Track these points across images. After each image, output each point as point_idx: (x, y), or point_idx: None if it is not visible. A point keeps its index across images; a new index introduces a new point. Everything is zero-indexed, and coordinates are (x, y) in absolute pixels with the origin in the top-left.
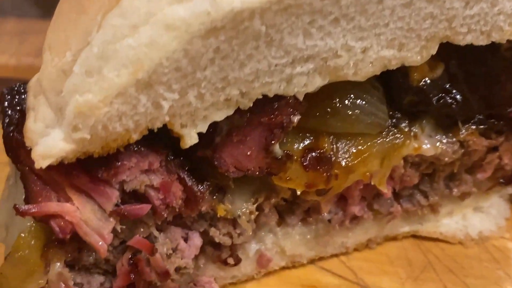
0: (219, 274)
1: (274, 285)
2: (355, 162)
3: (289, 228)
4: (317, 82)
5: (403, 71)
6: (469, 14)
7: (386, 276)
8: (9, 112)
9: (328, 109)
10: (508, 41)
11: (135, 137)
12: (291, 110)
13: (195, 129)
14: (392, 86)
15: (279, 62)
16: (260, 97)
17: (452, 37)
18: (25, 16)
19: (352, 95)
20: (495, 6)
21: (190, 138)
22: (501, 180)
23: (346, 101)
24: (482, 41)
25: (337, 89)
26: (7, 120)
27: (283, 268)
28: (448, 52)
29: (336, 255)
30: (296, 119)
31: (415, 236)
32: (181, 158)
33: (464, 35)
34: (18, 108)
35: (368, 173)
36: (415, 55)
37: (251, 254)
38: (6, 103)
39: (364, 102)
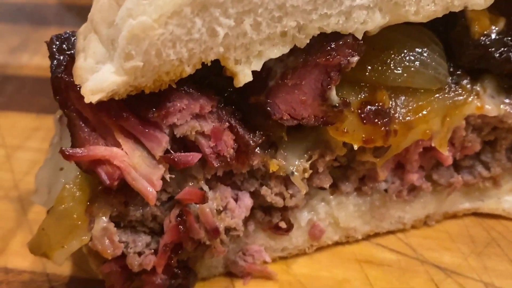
0: (269, 244)
1: (326, 260)
2: (415, 117)
3: (343, 197)
4: (377, 19)
5: (464, 24)
6: None
7: (448, 252)
8: (58, 56)
9: (388, 60)
10: None
11: (188, 70)
12: (349, 51)
13: (249, 66)
14: (453, 40)
15: None
16: (318, 33)
17: None
18: (67, 25)
19: (412, 48)
20: None
21: (244, 76)
22: None
23: (406, 53)
24: None
25: (397, 40)
26: (55, 63)
27: (337, 244)
28: (510, 6)
29: (392, 232)
30: (354, 60)
31: (476, 214)
32: (233, 107)
33: None
34: (67, 52)
35: (428, 131)
36: None
37: (303, 224)
38: (55, 47)
39: (424, 56)
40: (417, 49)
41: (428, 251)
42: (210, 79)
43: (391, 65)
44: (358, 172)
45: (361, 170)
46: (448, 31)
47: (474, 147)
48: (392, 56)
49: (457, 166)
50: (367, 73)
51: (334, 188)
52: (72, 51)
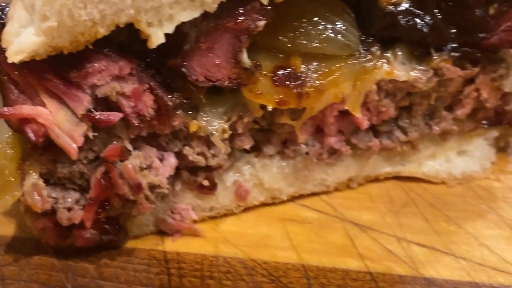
0: (196, 203)
1: (252, 219)
2: (326, 81)
3: (267, 159)
4: None
5: None
6: None
7: (366, 211)
8: None
9: (300, 28)
10: None
11: (102, 31)
12: (257, 15)
13: (162, 29)
14: (363, 9)
15: None
16: None
17: None
18: None
19: (324, 16)
20: None
21: (157, 38)
22: (484, 122)
23: (318, 22)
24: None
25: (309, 9)
26: None
27: (264, 205)
28: None
29: (317, 194)
30: (261, 24)
31: (397, 178)
32: (154, 70)
33: None
34: (1, 21)
35: (340, 94)
36: None
37: (228, 184)
38: None
39: (335, 24)
40: (328, 18)
41: (348, 210)
42: (135, 45)
43: (303, 32)
44: (280, 135)
45: (282, 133)
46: (359, 1)
47: (389, 112)
48: (304, 24)
49: (376, 131)
50: (281, 40)
51: (258, 151)
52: (4, 20)
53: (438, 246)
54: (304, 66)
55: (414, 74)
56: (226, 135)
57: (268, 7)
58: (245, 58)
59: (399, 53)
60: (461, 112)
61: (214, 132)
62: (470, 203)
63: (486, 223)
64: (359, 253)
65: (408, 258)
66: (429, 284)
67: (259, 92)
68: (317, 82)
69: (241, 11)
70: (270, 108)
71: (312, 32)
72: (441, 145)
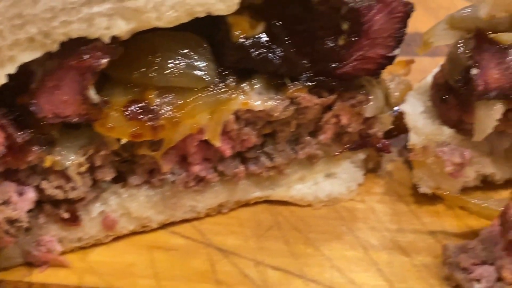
0: (62, 234)
1: (121, 248)
2: (181, 113)
3: (134, 189)
4: (121, 25)
5: (225, 28)
6: None
7: (233, 235)
8: None
9: (152, 63)
10: None
11: None
12: (100, 53)
13: (3, 70)
14: (218, 43)
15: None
16: (65, 39)
17: None
18: None
19: (177, 51)
20: None
21: None
22: (349, 145)
23: (170, 56)
24: None
25: (163, 44)
26: None
27: (134, 233)
28: (269, 10)
29: (188, 220)
30: (104, 61)
31: (268, 201)
32: (5, 108)
33: None
34: None
35: (196, 125)
36: (218, 2)
37: (94, 214)
38: None
39: (189, 58)
40: (182, 52)
41: (215, 236)
42: None
43: (157, 67)
44: (144, 165)
45: (146, 163)
46: (214, 35)
47: (252, 139)
48: (157, 58)
49: (243, 157)
50: (134, 74)
51: (124, 181)
52: None
53: (293, 269)
54: (158, 99)
55: (270, 103)
56: (83, 169)
57: (112, 45)
58: (92, 94)
59: (256, 83)
60: (323, 137)
61: (70, 166)
62: (331, 225)
63: (342, 244)
64: (217, 278)
65: (262, 282)
66: None
67: (111, 126)
68: (171, 114)
69: (84, 49)
70: (124, 141)
71: (166, 66)
72: (310, 168)
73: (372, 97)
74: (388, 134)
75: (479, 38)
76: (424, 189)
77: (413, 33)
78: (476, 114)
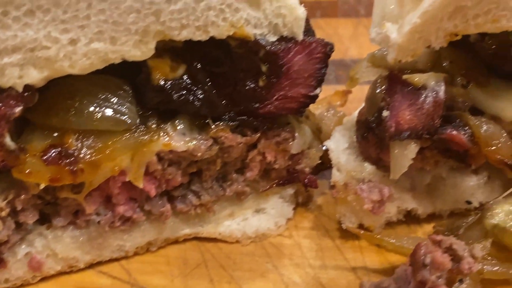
0: None
1: None
2: (101, 156)
3: (59, 231)
4: (34, 74)
5: (146, 71)
6: (174, 9)
7: (159, 275)
8: None
9: (71, 107)
10: (233, 37)
11: None
12: (13, 101)
13: None
14: (139, 86)
15: None
16: None
17: (167, 32)
18: None
19: (96, 94)
20: (201, 1)
21: None
22: (277, 181)
23: (90, 100)
24: (200, 36)
25: (80, 88)
26: None
27: (62, 273)
28: (189, 53)
29: (117, 259)
30: (18, 110)
31: (198, 238)
32: None
33: (179, 30)
34: None
35: (117, 168)
36: (133, 49)
37: (19, 256)
38: None
39: (109, 101)
40: (102, 95)
41: (142, 275)
42: None
43: (76, 111)
44: (67, 207)
45: (70, 205)
46: (135, 77)
47: (177, 179)
48: (77, 103)
49: (170, 196)
50: (53, 119)
51: (49, 223)
52: None
53: None
54: (78, 142)
55: (193, 143)
56: (3, 213)
57: (27, 93)
58: (8, 141)
59: (179, 124)
60: (250, 174)
61: None
62: (257, 262)
63: (265, 283)
64: None
65: None
66: None
67: (28, 172)
68: (91, 157)
69: None
70: (42, 185)
71: (85, 110)
72: (239, 204)
73: (298, 134)
74: (319, 168)
75: (392, 79)
76: (347, 225)
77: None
78: (391, 153)
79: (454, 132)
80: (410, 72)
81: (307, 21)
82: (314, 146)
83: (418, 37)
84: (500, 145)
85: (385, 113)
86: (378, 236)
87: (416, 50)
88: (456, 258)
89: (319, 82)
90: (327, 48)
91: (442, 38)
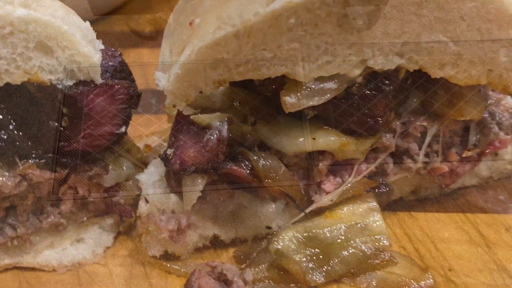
0: None
1: None
2: None
3: None
4: None
5: None
6: None
7: None
8: None
9: None
10: (29, 83)
11: None
12: None
13: None
14: None
15: None
16: None
17: None
18: None
19: None
20: None
21: None
22: (95, 212)
23: None
24: None
25: None
26: None
27: None
28: None
29: None
30: None
31: (18, 268)
32: None
33: None
34: None
35: None
36: None
37: None
38: None
39: None
40: None
41: None
42: None
43: None
44: None
45: None
46: None
47: None
48: None
49: None
50: None
51: None
52: None
53: None
54: None
55: (0, 180)
56: None
57: None
58: None
59: None
60: (64, 208)
61: None
62: None
63: None
64: None
65: None
66: None
67: None
68: None
69: None
70: None
71: None
72: (59, 235)
73: (112, 167)
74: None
75: (178, 119)
76: (152, 252)
77: None
78: (183, 186)
79: (234, 167)
80: (206, 111)
81: (123, 63)
82: (132, 179)
83: (187, 85)
84: (277, 177)
85: (169, 151)
86: (167, 264)
87: (188, 96)
88: (228, 282)
89: (125, 121)
90: (130, 90)
91: (211, 85)
